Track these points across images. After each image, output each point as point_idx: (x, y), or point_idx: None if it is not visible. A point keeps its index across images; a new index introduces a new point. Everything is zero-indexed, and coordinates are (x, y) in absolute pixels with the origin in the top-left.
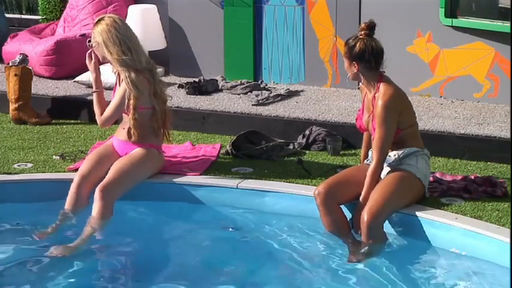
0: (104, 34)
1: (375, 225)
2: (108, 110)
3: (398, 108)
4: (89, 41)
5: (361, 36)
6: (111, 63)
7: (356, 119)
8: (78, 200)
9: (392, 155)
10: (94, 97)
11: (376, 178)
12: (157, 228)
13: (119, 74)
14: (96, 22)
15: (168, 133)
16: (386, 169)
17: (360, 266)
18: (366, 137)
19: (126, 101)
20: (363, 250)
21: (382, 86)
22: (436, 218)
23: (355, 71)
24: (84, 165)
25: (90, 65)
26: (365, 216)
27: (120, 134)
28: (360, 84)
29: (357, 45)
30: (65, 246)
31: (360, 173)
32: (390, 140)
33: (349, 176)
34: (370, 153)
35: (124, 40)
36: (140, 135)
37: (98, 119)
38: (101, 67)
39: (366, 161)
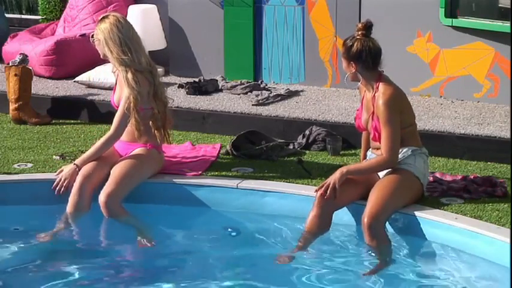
0: (106, 32)
1: (375, 226)
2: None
3: (399, 107)
4: (92, 36)
5: (358, 37)
6: (111, 62)
7: (355, 118)
8: (80, 201)
9: None
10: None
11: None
12: (157, 228)
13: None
14: (101, 19)
15: (168, 135)
16: None
17: (360, 266)
18: (365, 136)
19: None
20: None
21: (381, 86)
22: (436, 218)
23: (353, 71)
24: (86, 166)
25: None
26: (365, 218)
27: None
28: (359, 83)
29: (354, 45)
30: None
31: None
32: (398, 137)
33: (349, 177)
34: (369, 153)
35: (125, 40)
36: (140, 135)
37: (107, 138)
38: (101, 67)
39: (365, 161)
